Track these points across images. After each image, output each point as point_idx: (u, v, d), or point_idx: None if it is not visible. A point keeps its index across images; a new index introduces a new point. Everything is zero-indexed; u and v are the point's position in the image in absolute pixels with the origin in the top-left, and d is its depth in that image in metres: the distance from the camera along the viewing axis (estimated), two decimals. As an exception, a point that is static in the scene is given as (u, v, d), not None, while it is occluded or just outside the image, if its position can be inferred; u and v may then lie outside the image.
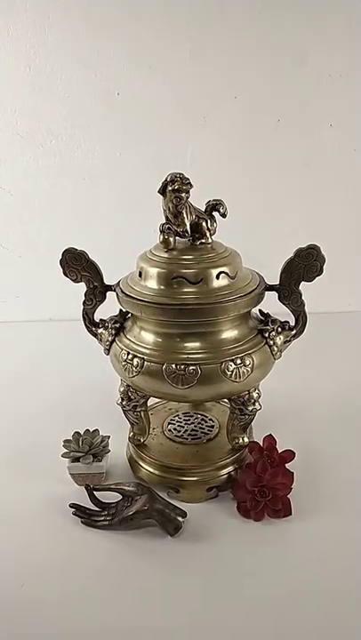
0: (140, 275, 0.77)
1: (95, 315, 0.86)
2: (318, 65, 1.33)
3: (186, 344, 0.74)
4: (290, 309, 0.80)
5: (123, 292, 0.77)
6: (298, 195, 1.40)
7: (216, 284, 0.74)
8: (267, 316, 0.82)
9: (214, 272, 0.74)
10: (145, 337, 0.77)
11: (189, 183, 0.72)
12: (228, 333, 0.76)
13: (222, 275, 0.74)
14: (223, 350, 0.74)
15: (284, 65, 1.32)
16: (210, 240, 0.77)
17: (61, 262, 0.80)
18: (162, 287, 0.74)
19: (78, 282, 0.82)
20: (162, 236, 0.75)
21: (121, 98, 1.34)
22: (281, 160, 1.39)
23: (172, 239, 0.75)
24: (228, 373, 0.73)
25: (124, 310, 0.84)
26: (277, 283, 0.79)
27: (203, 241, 0.77)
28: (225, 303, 0.72)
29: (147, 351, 0.75)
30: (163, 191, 0.73)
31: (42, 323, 1.49)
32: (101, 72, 1.31)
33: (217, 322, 0.74)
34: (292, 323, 0.82)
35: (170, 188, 0.72)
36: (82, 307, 0.84)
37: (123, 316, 0.84)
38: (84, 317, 0.85)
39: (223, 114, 1.36)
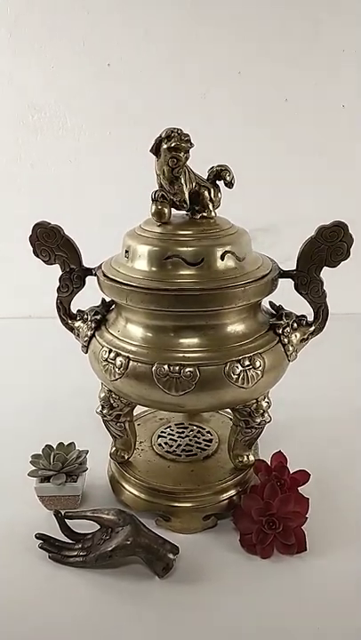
0: (127, 254, 0.63)
1: (73, 305, 0.72)
2: (331, 39, 1.20)
3: (182, 340, 0.60)
4: (308, 300, 0.66)
5: (105, 275, 0.63)
6: (306, 179, 1.27)
7: (220, 265, 0.60)
8: (279, 308, 0.68)
9: (218, 251, 0.60)
10: (131, 331, 0.63)
11: (189, 140, 0.59)
12: (234, 328, 0.62)
13: (228, 255, 0.60)
14: (228, 348, 0.61)
15: (294, 38, 1.19)
16: (213, 213, 0.63)
17: (31, 239, 0.67)
18: (153, 269, 0.60)
19: (52, 263, 0.68)
20: (154, 206, 0.62)
21: (112, 69, 1.21)
22: (288, 142, 1.26)
23: (166, 210, 0.62)
24: (234, 377, 0.59)
25: (107, 300, 0.70)
26: (294, 268, 0.65)
27: (204, 214, 0.63)
28: (232, 289, 0.59)
29: (133, 348, 0.61)
30: (156, 150, 0.60)
31: (21, 320, 1.35)
32: (91, 39, 1.18)
33: (221, 313, 0.60)
34: (310, 318, 0.68)
35: (165, 146, 0.59)
36: (56, 294, 0.70)
37: (105, 307, 0.70)
38: (58, 307, 0.71)
39: (225, 91, 1.23)
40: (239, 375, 0.60)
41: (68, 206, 1.23)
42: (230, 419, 0.80)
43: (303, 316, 0.68)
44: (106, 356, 0.63)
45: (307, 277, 0.65)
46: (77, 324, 0.70)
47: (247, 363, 0.60)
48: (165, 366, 0.59)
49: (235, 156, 1.15)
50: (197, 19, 1.18)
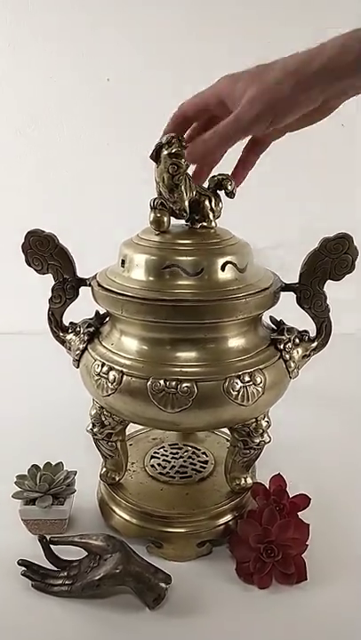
0: (123, 264, 0.60)
1: (65, 318, 0.68)
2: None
3: (179, 354, 0.57)
4: (311, 315, 0.64)
5: (99, 284, 0.60)
6: (304, 196, 1.25)
7: (221, 276, 0.57)
8: (280, 323, 0.65)
9: (219, 261, 0.57)
10: (126, 344, 0.60)
11: None
12: (234, 342, 0.59)
13: (229, 266, 0.58)
14: (227, 363, 0.57)
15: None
16: (213, 223, 0.61)
17: (24, 247, 0.64)
18: (150, 279, 0.57)
19: (44, 273, 0.65)
20: (153, 215, 0.59)
21: (111, 81, 1.19)
22: (287, 160, 1.24)
23: (165, 218, 0.59)
24: (233, 394, 0.56)
25: (101, 313, 0.67)
26: (296, 281, 0.62)
27: (204, 224, 0.61)
28: (232, 301, 0.56)
29: (127, 362, 0.58)
30: (156, 157, 0.57)
31: (12, 336, 1.31)
32: (91, 52, 1.17)
33: (220, 325, 0.57)
34: (312, 333, 0.65)
35: (165, 152, 0.56)
36: (48, 305, 0.67)
37: (99, 320, 0.67)
38: (49, 319, 0.67)
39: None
40: (239, 392, 0.56)
41: (65, 217, 1.20)
42: (227, 439, 0.76)
43: (305, 331, 0.65)
44: (98, 370, 0.59)
45: (310, 291, 0.62)
46: (69, 336, 0.67)
47: (247, 379, 0.57)
48: (161, 381, 0.55)
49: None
50: (198, 34, 1.17)
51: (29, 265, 0.65)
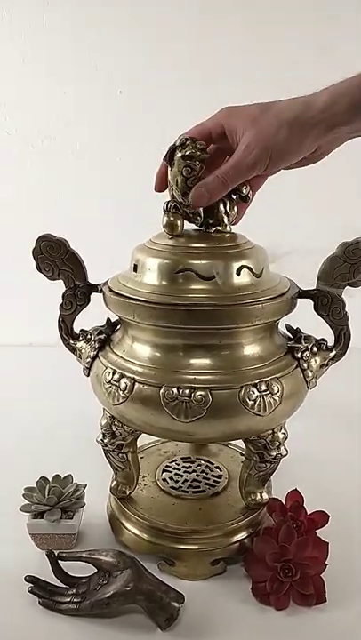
0: (136, 269, 0.59)
1: (76, 325, 0.67)
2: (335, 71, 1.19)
3: (193, 360, 0.55)
4: (329, 323, 0.62)
5: (111, 289, 0.58)
6: (313, 209, 1.24)
7: (236, 281, 0.56)
8: (297, 331, 0.63)
9: (234, 265, 0.56)
10: (138, 350, 0.58)
11: (204, 149, 0.56)
12: (250, 349, 0.57)
13: (244, 270, 0.56)
14: (243, 371, 0.55)
15: (300, 67, 1.18)
16: (228, 228, 0.59)
17: (34, 252, 0.63)
18: (163, 283, 0.56)
19: (55, 278, 0.64)
20: (166, 218, 0.58)
21: (124, 96, 1.19)
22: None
23: (179, 222, 0.58)
24: (250, 403, 0.54)
25: (112, 321, 0.66)
26: (313, 287, 0.60)
27: (219, 228, 0.59)
28: (249, 306, 0.54)
29: (139, 369, 0.56)
30: (170, 159, 0.56)
31: (21, 348, 1.30)
32: (103, 67, 1.17)
33: (236, 332, 0.55)
34: (330, 342, 0.63)
35: (179, 155, 0.55)
36: (58, 312, 0.65)
37: (111, 327, 0.65)
38: (60, 326, 0.66)
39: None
40: (255, 401, 0.54)
41: (77, 231, 1.19)
42: (241, 453, 0.74)
43: (323, 339, 0.63)
44: (109, 378, 0.57)
45: (327, 297, 0.60)
46: (80, 344, 0.65)
47: (264, 387, 0.55)
48: (174, 389, 0.53)
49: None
50: (209, 48, 1.17)
51: (40, 270, 0.63)
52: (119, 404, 0.56)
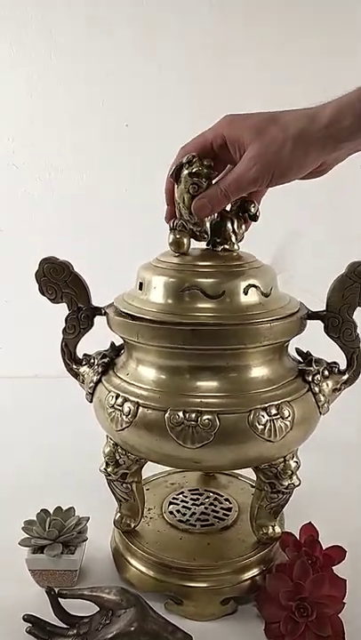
0: (141, 287, 0.57)
1: (81, 349, 0.65)
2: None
3: (199, 383, 0.53)
4: (340, 345, 0.59)
5: (115, 309, 0.57)
6: (319, 233, 1.23)
7: (243, 300, 0.54)
8: (307, 354, 0.61)
9: (242, 284, 0.54)
10: (142, 373, 0.56)
11: (211, 166, 0.54)
12: (258, 371, 0.55)
13: (252, 289, 0.54)
14: (252, 394, 0.53)
15: (308, 90, 1.19)
16: (236, 246, 0.58)
17: (37, 275, 0.61)
18: (169, 301, 0.54)
19: (58, 301, 0.62)
20: (172, 236, 0.57)
21: (130, 129, 1.20)
22: (300, 196, 1.23)
23: (185, 240, 0.57)
24: (260, 428, 0.51)
25: (117, 345, 0.64)
26: (323, 309, 0.58)
27: (226, 247, 0.58)
28: (256, 325, 0.52)
29: (143, 392, 0.54)
30: (176, 177, 0.55)
31: (27, 379, 1.28)
32: (109, 101, 1.19)
33: (244, 353, 0.53)
34: (342, 365, 0.60)
35: (186, 172, 0.54)
36: (61, 336, 0.64)
37: (115, 351, 0.63)
38: (62, 351, 0.64)
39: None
40: (265, 426, 0.52)
41: (85, 264, 1.20)
42: (252, 485, 0.71)
43: (335, 363, 0.61)
44: (112, 402, 0.55)
45: (338, 319, 0.58)
46: (83, 369, 0.63)
47: (274, 411, 0.52)
48: (180, 413, 0.51)
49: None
50: (216, 80, 1.19)
51: (43, 293, 0.62)
52: (122, 429, 0.54)
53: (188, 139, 0.63)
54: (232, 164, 0.54)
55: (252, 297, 0.54)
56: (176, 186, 0.56)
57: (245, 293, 0.54)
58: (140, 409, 0.53)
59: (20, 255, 1.24)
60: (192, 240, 0.58)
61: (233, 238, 0.58)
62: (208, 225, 0.57)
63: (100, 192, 1.24)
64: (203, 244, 0.60)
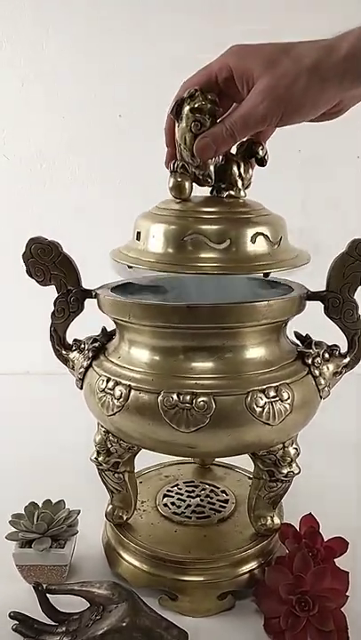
0: (139, 237, 0.54)
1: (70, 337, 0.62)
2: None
3: (194, 364, 0.51)
4: (341, 327, 0.57)
5: (106, 290, 0.55)
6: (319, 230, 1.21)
7: (250, 248, 0.50)
8: (306, 337, 0.59)
9: (249, 232, 0.50)
10: (135, 356, 0.53)
11: (215, 102, 0.50)
12: (256, 352, 0.52)
13: (260, 237, 0.50)
14: (249, 376, 0.51)
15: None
16: (242, 193, 0.54)
17: (24, 256, 0.59)
18: (169, 250, 0.50)
19: (46, 284, 0.60)
20: (173, 179, 0.53)
21: (124, 120, 1.18)
22: (301, 192, 1.21)
23: (187, 184, 0.52)
24: (258, 410, 0.49)
25: (108, 330, 0.61)
26: (324, 289, 0.56)
27: (232, 192, 0.54)
28: (255, 303, 0.49)
29: (136, 375, 0.51)
30: (177, 114, 0.51)
31: (18, 376, 1.25)
32: (103, 91, 1.17)
33: (240, 332, 0.51)
34: (343, 348, 0.58)
35: (187, 108, 0.50)
36: (50, 321, 0.61)
37: (107, 336, 0.61)
38: (51, 336, 0.61)
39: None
40: (263, 408, 0.49)
41: (77, 257, 1.18)
42: (249, 477, 0.68)
43: (335, 345, 0.58)
44: (103, 387, 0.52)
45: (339, 299, 0.56)
46: (73, 354, 0.60)
47: (273, 394, 0.50)
48: (174, 395, 0.48)
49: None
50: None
51: (31, 275, 0.59)
52: (114, 414, 0.51)
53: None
54: (238, 101, 0.49)
55: (261, 246, 0.50)
56: (177, 124, 0.51)
57: (253, 242, 0.50)
58: (132, 392, 0.50)
59: (10, 249, 1.21)
60: (195, 186, 0.53)
61: (239, 184, 0.53)
62: (212, 168, 0.52)
63: (94, 184, 1.21)
64: (206, 191, 0.55)
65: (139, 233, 0.54)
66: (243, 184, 0.54)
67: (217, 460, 0.74)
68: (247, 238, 0.50)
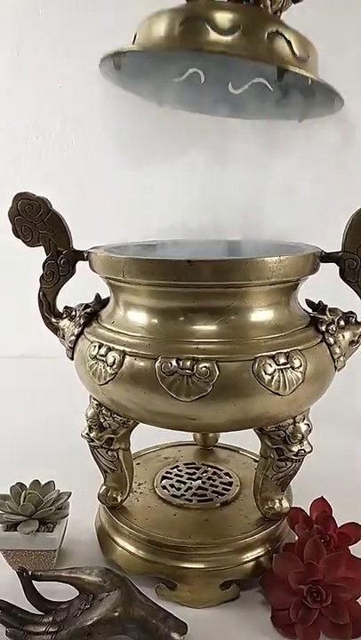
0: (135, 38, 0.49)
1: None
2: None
3: (195, 327, 0.46)
4: (357, 291, 0.52)
5: (97, 252, 0.49)
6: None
7: (266, 46, 0.43)
8: (319, 304, 0.53)
9: (266, 27, 0.43)
10: (131, 319, 0.49)
11: None
12: (264, 315, 0.47)
13: (280, 39, 0.44)
14: (257, 341, 0.45)
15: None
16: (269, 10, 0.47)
17: (10, 212, 0.54)
18: (170, 32, 0.44)
19: (33, 244, 0.55)
20: None
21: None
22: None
23: None
24: (266, 378, 0.44)
25: (102, 298, 0.56)
26: (339, 250, 0.51)
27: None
28: (262, 258, 0.44)
29: (131, 340, 0.46)
30: None
31: (13, 360, 1.20)
32: (99, 58, 1.11)
33: (247, 291, 0.46)
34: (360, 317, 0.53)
35: None
36: (39, 285, 0.56)
37: (100, 304, 0.55)
38: (40, 302, 0.57)
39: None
40: (273, 376, 0.44)
41: (74, 231, 1.13)
42: (255, 459, 0.63)
43: (352, 312, 0.53)
44: (94, 353, 0.47)
45: (356, 261, 0.51)
46: (63, 322, 0.56)
47: (283, 360, 0.45)
48: (173, 361, 0.43)
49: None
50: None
51: (17, 235, 0.55)
52: (106, 382, 0.46)
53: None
54: None
55: (279, 47, 0.43)
56: None
57: (269, 39, 0.43)
58: (127, 358, 0.45)
59: (3, 224, 1.16)
60: None
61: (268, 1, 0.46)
62: None
63: (90, 158, 1.16)
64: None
65: (135, 35, 0.49)
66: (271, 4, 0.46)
67: (220, 441, 0.69)
68: (264, 34, 0.43)
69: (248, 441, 0.64)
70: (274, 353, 0.45)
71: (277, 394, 0.44)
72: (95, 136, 1.15)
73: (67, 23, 1.10)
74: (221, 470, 0.64)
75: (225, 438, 0.69)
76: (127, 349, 0.45)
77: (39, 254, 0.56)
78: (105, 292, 0.55)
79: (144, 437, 0.63)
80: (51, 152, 1.16)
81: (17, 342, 1.22)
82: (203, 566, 0.51)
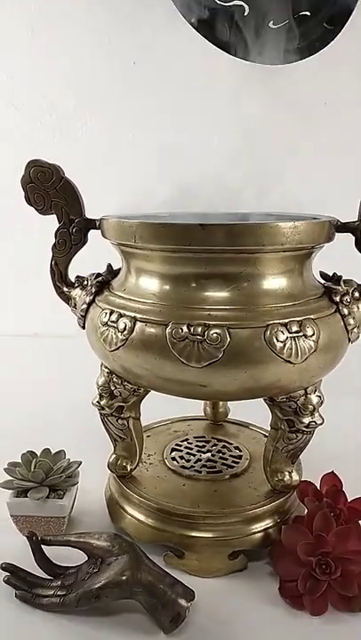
0: None
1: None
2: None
3: (207, 293, 0.45)
4: (373, 263, 0.51)
5: (109, 218, 0.49)
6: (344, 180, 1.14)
7: None
8: (334, 275, 0.53)
9: None
10: (142, 286, 0.48)
11: None
12: (278, 283, 0.47)
13: None
14: (270, 308, 0.45)
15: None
16: None
17: (23, 180, 0.54)
18: None
19: (46, 212, 0.54)
20: None
21: (138, 68, 1.12)
22: (327, 143, 1.14)
23: None
24: (278, 346, 0.43)
25: (114, 268, 0.56)
26: (356, 219, 0.50)
27: None
28: (278, 223, 0.43)
29: (142, 306, 0.46)
30: None
31: (26, 338, 1.21)
32: (116, 37, 1.10)
33: (260, 257, 0.45)
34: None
35: None
36: (51, 254, 0.56)
37: (112, 274, 0.55)
38: (52, 270, 0.56)
39: (258, 98, 1.11)
40: (285, 344, 0.43)
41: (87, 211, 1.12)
42: (265, 435, 0.63)
43: (366, 284, 0.52)
44: (105, 320, 0.47)
45: (373, 231, 0.50)
46: (75, 291, 0.56)
47: (296, 328, 0.44)
48: (184, 327, 0.43)
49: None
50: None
51: (30, 203, 0.54)
52: (117, 348, 0.46)
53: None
54: None
55: None
56: None
57: None
58: (138, 324, 0.45)
59: (19, 207, 1.16)
60: None
61: None
62: None
63: (106, 136, 1.15)
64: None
65: None
66: None
67: (230, 416, 0.69)
68: None
69: (258, 417, 0.64)
70: (287, 321, 0.44)
71: (289, 362, 0.44)
72: (109, 113, 1.15)
73: (80, 5, 1.09)
74: (231, 444, 0.64)
75: (235, 413, 0.69)
76: (138, 315, 0.45)
77: (51, 236, 0.56)
78: (117, 264, 0.55)
79: (155, 412, 0.63)
80: (65, 130, 1.15)
81: (31, 321, 1.23)
82: (211, 535, 0.51)
